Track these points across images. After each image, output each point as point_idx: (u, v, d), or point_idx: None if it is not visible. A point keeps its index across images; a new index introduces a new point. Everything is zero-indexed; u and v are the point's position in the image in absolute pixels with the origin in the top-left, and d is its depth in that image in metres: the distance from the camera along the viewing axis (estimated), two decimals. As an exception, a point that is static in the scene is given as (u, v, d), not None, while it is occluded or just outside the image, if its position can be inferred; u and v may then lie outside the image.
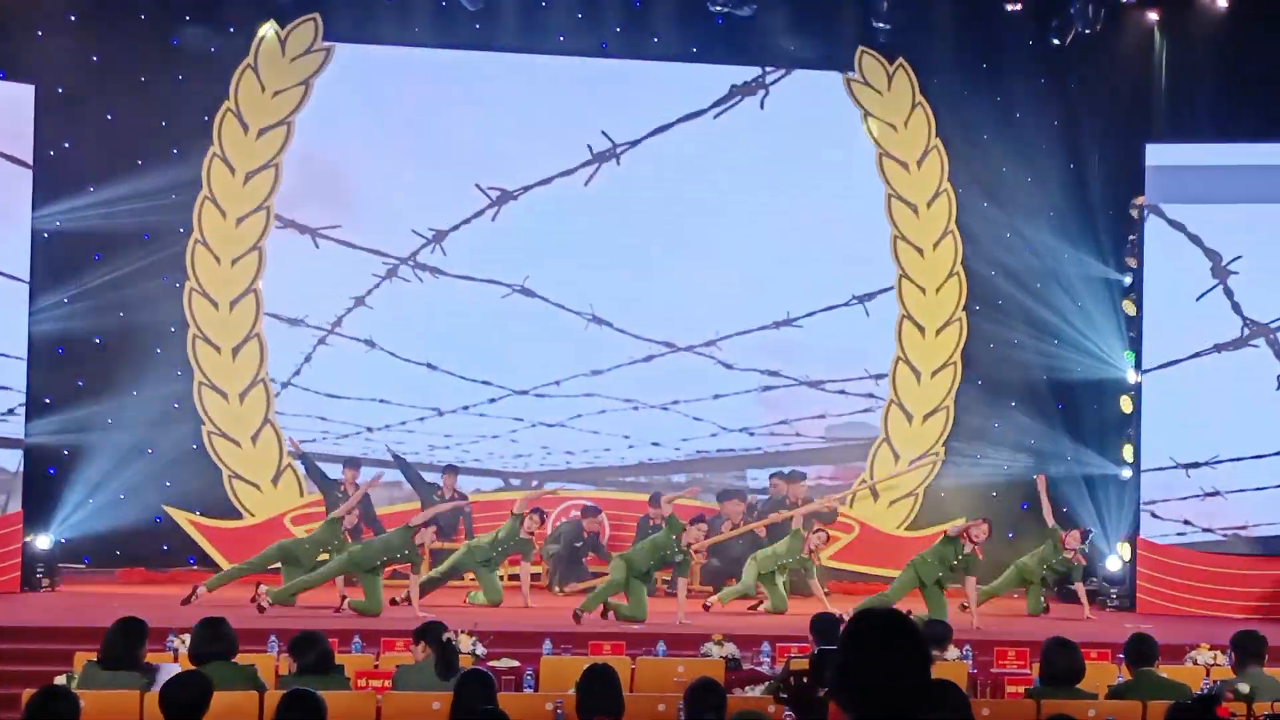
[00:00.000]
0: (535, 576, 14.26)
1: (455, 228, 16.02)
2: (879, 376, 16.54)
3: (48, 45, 14.84)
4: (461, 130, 16.13)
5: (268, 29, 15.66)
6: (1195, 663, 10.72)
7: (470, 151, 16.11)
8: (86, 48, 15.14)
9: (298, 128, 15.83)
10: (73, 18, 15.07)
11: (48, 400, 14.72)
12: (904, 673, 3.43)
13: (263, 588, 12.35)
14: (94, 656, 7.64)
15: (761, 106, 16.46)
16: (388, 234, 15.98)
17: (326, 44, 15.88)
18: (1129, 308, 15.67)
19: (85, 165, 15.05)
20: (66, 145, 14.98)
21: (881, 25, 15.69)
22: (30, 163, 14.27)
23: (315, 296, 15.86)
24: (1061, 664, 7.59)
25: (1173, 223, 15.11)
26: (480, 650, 9.98)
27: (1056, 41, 15.68)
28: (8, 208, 14.07)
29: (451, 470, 15.38)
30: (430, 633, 7.94)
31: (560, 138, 16.24)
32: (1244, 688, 7.79)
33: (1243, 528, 14.84)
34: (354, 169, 16.06)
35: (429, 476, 15.40)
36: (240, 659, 7.63)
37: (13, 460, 14.23)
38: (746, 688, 8.53)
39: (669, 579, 14.57)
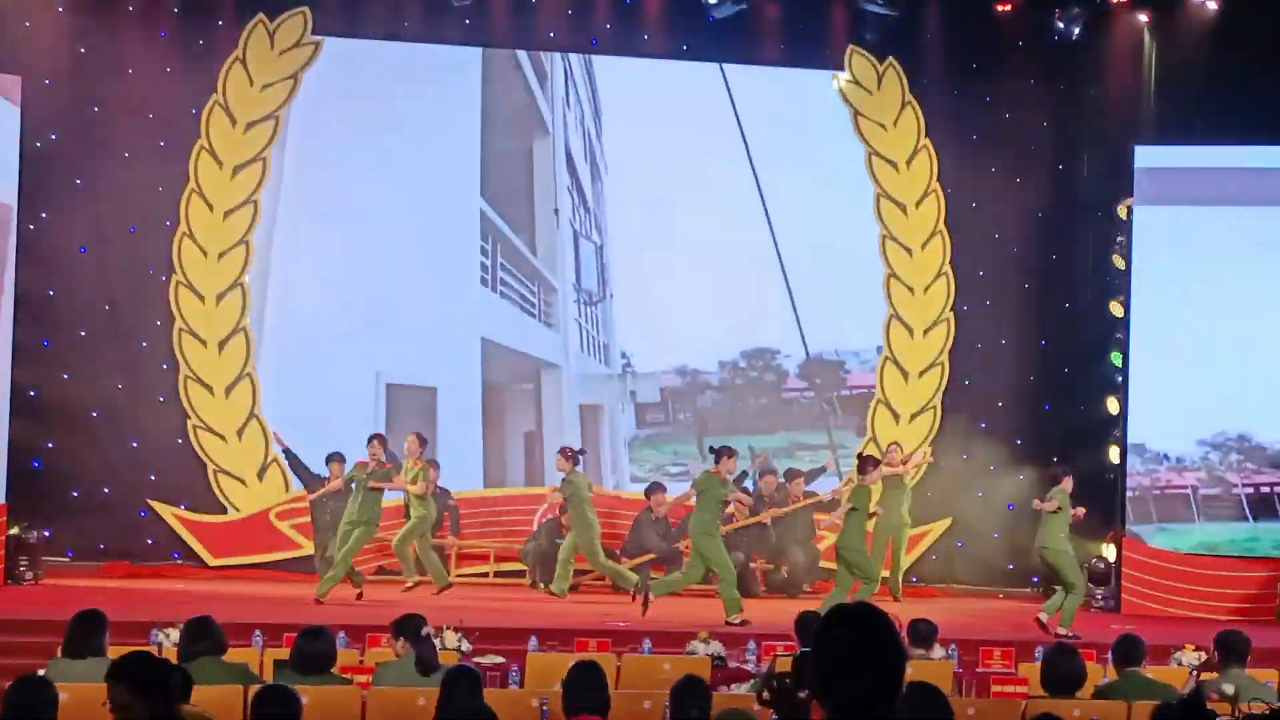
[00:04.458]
0: (519, 574, 14.29)
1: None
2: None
3: (35, 36, 14.78)
4: (447, 125, 16.13)
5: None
6: (1180, 663, 10.73)
7: (457, 147, 16.11)
8: (74, 39, 15.09)
9: (286, 121, 15.81)
10: (60, 9, 15.01)
11: (32, 393, 14.64)
12: (875, 668, 3.42)
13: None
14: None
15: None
16: (374, 226, 15.96)
17: (315, 38, 15.84)
18: (1116, 309, 15.68)
19: (72, 157, 15.00)
20: (53, 137, 14.92)
21: (877, 9, 15.61)
22: (17, 154, 14.20)
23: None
24: (1063, 670, 7.57)
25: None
26: (466, 646, 9.94)
27: (1069, 34, 15.66)
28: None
29: (433, 465, 15.30)
30: (408, 627, 7.78)
31: (553, 134, 16.26)
32: (1228, 688, 7.79)
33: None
34: (341, 163, 16.01)
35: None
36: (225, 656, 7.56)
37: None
38: (732, 685, 8.52)
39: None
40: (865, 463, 13.00)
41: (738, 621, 12.14)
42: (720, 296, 16.29)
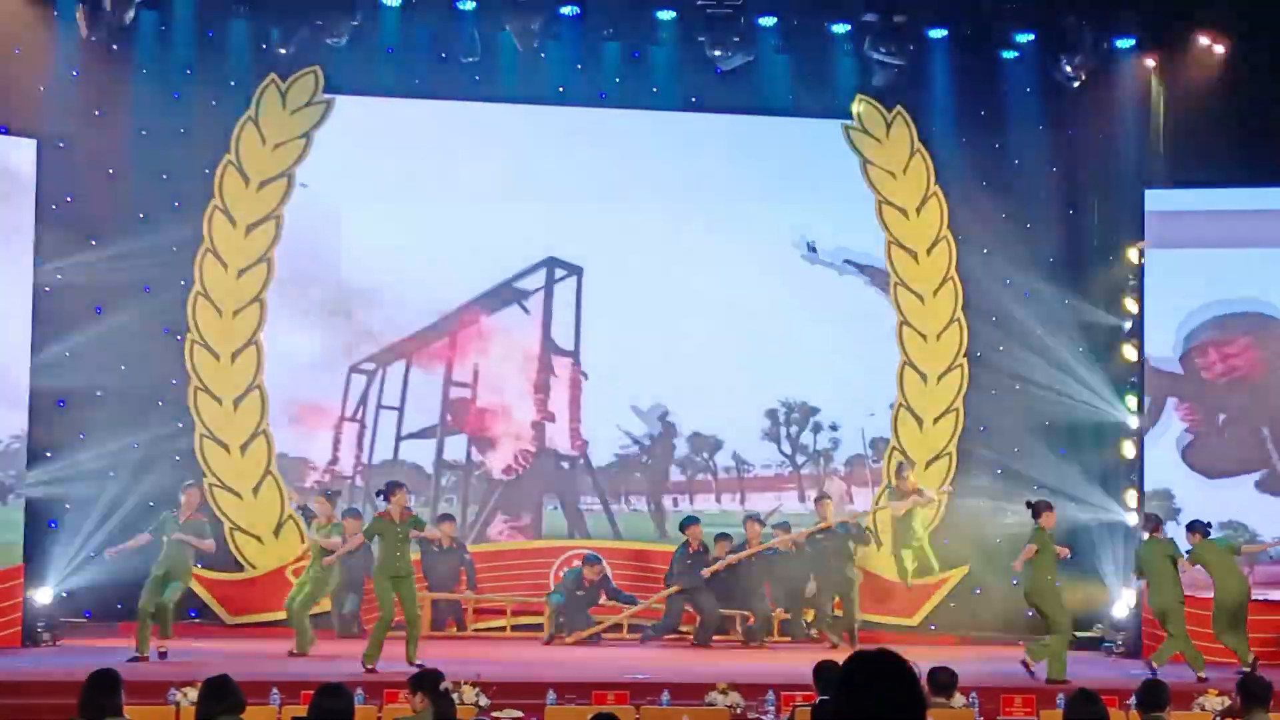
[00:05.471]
0: (536, 628, 14.23)
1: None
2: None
3: (50, 99, 14.91)
4: (462, 180, 16.22)
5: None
6: (1203, 709, 10.66)
7: (471, 202, 16.20)
8: (88, 102, 15.20)
9: (298, 179, 15.92)
10: (75, 72, 15.14)
11: (48, 453, 14.68)
12: (895, 717, 3.41)
13: None
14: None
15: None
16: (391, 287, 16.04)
17: (327, 96, 15.96)
18: (1130, 352, 15.68)
19: (87, 218, 15.07)
20: (68, 199, 15.01)
21: (884, 58, 15.69)
22: (33, 216, 14.30)
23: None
24: (1085, 717, 7.50)
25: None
26: (484, 701, 9.93)
27: (1077, 79, 15.65)
28: (10, 261, 14.09)
29: (448, 519, 15.34)
30: (426, 682, 7.74)
31: (561, 187, 16.30)
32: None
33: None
34: (354, 219, 16.09)
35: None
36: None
37: (15, 514, 14.17)
38: (752, 737, 8.49)
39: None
40: (1039, 506, 12.71)
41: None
42: (728, 346, 16.36)
